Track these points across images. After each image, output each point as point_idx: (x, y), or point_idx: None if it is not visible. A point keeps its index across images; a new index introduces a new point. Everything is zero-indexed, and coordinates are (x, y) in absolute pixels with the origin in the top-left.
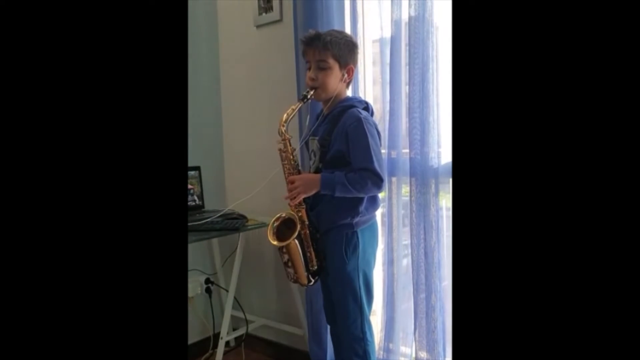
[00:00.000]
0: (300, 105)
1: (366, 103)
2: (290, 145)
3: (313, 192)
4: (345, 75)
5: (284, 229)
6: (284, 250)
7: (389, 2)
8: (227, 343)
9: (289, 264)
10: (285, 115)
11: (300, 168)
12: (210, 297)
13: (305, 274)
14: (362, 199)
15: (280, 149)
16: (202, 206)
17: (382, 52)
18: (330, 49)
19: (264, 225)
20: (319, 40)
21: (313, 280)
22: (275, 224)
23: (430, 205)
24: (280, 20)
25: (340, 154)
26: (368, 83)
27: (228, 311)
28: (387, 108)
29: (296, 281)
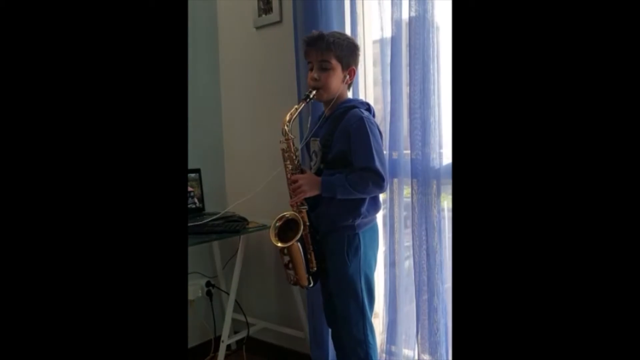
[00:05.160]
0: (303, 105)
1: (368, 104)
2: (293, 145)
3: (315, 193)
4: (347, 77)
5: (286, 229)
6: (285, 251)
7: (389, 2)
8: (228, 346)
9: (290, 265)
10: (288, 115)
11: (302, 168)
12: (211, 300)
13: (306, 275)
14: (363, 200)
15: (283, 149)
16: (203, 209)
17: (382, 52)
18: (333, 50)
19: (264, 227)
20: (322, 41)
21: (313, 282)
22: (277, 224)
23: (432, 207)
24: (280, 22)
25: (342, 154)
26: (369, 84)
27: (229, 314)
28: (388, 109)
29: (296, 283)
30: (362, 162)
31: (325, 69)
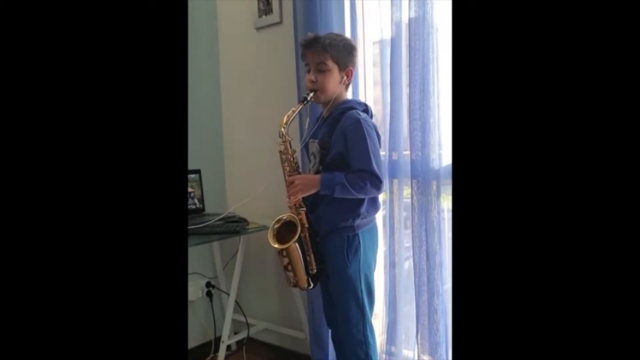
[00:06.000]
0: (301, 107)
1: (366, 105)
2: (290, 146)
3: (312, 192)
4: (345, 78)
5: (285, 231)
6: (284, 253)
7: (389, 3)
8: (229, 347)
9: (289, 267)
10: (285, 117)
11: (300, 170)
12: (211, 300)
13: (306, 277)
14: (362, 201)
15: (280, 151)
16: (203, 209)
17: (382, 53)
18: (329, 52)
19: (264, 228)
20: (318, 43)
21: (313, 284)
22: (275, 226)
23: (431, 207)
24: (280, 23)
25: (340, 156)
26: (368, 84)
27: (229, 315)
28: (388, 110)
29: (296, 285)
30: (359, 164)
31: (322, 70)
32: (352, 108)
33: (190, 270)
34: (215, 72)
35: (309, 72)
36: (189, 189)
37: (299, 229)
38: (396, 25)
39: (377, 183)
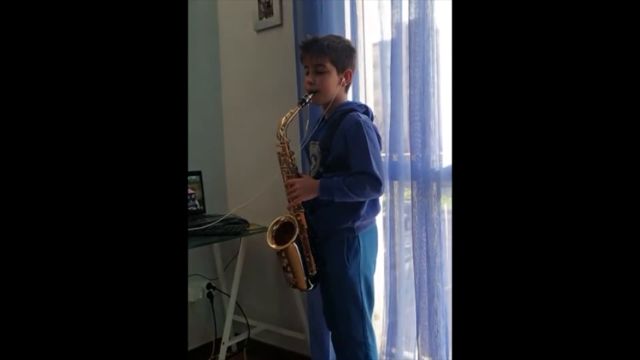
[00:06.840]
0: (299, 108)
1: (366, 107)
2: (288, 148)
3: (311, 197)
4: (343, 79)
5: (284, 233)
6: (283, 254)
7: (389, 5)
8: (229, 348)
9: (288, 268)
10: (283, 118)
11: (299, 171)
12: (211, 302)
13: (305, 278)
14: (362, 203)
15: (278, 153)
16: (204, 211)
17: (382, 55)
18: (328, 53)
19: (265, 229)
20: (317, 45)
21: (312, 285)
22: (274, 228)
23: (432, 209)
24: (280, 25)
25: (340, 157)
26: (369, 86)
27: (230, 316)
28: (388, 111)
29: (295, 286)
30: (359, 166)
31: (320, 72)
32: (353, 110)
33: (190, 271)
34: (216, 74)
35: (307, 74)
36: (190, 191)
37: (297, 230)
38: (396, 27)
39: (376, 185)
